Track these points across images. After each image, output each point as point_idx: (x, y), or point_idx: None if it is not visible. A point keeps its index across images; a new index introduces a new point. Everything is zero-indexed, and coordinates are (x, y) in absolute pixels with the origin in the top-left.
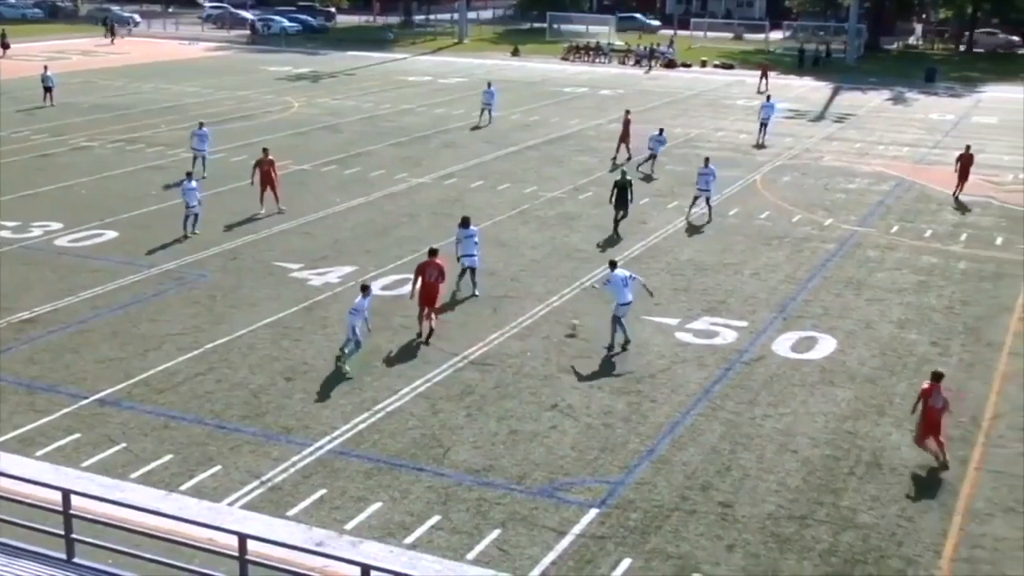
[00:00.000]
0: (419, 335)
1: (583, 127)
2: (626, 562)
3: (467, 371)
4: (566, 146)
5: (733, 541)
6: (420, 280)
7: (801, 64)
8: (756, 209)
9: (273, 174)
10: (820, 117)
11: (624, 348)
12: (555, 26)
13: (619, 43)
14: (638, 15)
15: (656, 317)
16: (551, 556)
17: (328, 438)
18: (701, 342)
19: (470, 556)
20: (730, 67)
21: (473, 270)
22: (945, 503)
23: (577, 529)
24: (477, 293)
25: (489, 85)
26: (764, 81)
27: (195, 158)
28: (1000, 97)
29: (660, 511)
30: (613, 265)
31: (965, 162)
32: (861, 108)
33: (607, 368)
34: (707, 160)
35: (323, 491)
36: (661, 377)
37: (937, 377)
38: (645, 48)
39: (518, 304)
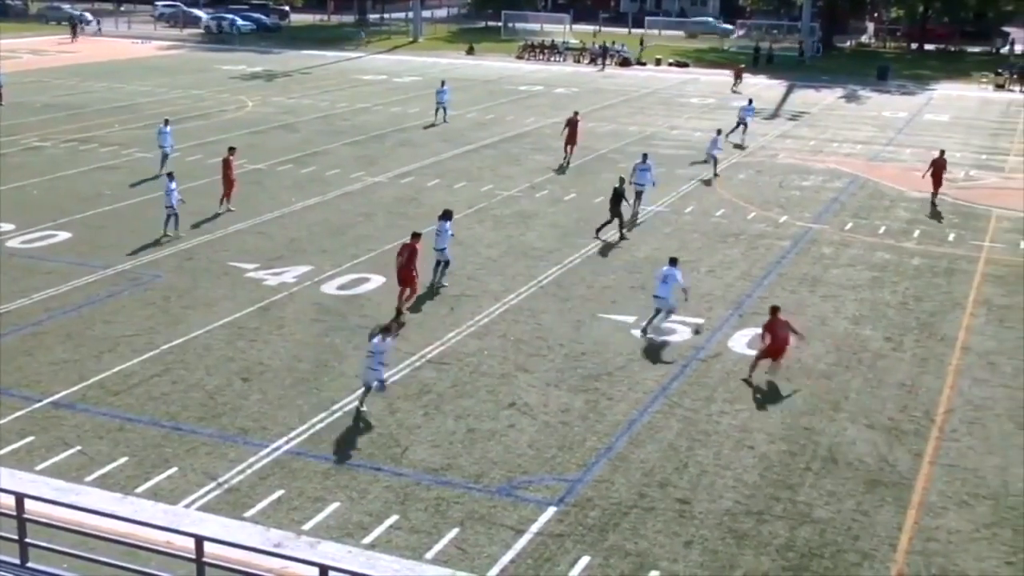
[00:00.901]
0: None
1: (539, 125)
2: (584, 560)
3: (424, 370)
4: (522, 144)
5: (691, 537)
6: (397, 261)
7: (755, 62)
8: (712, 207)
9: (230, 174)
10: (774, 115)
11: (644, 332)
12: (510, 24)
13: (574, 41)
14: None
15: (613, 315)
16: (510, 555)
17: (285, 439)
18: (658, 339)
19: (429, 555)
20: (685, 65)
21: (445, 263)
22: (900, 497)
23: (535, 527)
24: (445, 284)
25: (443, 84)
26: (738, 81)
27: (164, 156)
28: (951, 95)
29: (618, 508)
30: (673, 261)
31: (938, 166)
32: (815, 106)
33: (564, 366)
34: (645, 156)
35: (281, 492)
36: (619, 375)
37: (775, 310)
38: (600, 47)
39: (475, 303)
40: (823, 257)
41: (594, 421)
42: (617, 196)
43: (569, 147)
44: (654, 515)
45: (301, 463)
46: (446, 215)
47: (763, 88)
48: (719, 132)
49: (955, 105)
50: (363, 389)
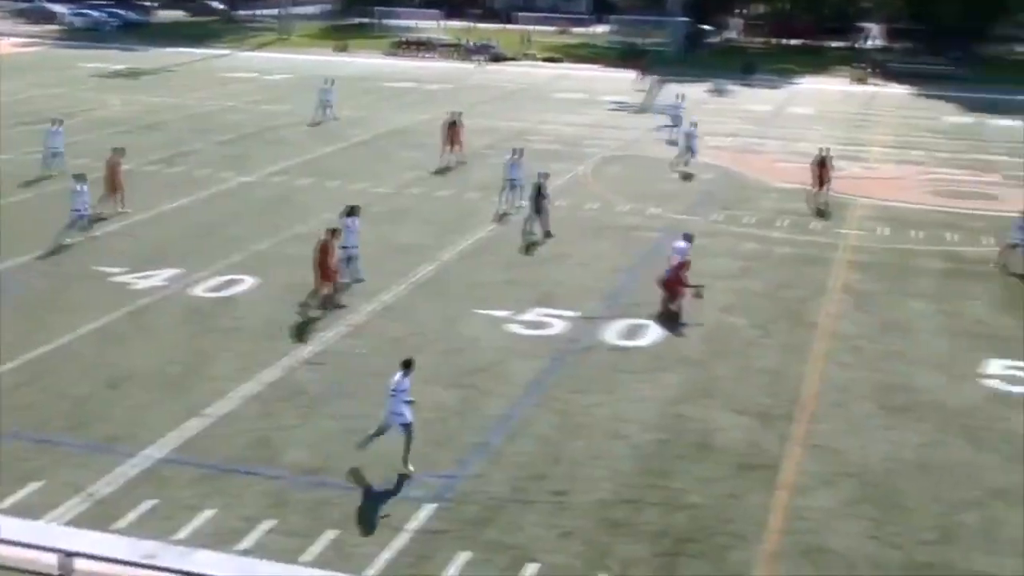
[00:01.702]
0: None
1: (412, 122)
2: (464, 555)
3: (300, 371)
4: (395, 142)
5: (568, 528)
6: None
7: (625, 57)
8: (584, 200)
9: (118, 176)
10: (644, 109)
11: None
12: (382, 21)
13: (447, 37)
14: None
15: (487, 310)
16: (388, 554)
17: (156, 446)
18: (532, 333)
19: (306, 558)
20: (558, 61)
21: (352, 259)
22: (769, 479)
23: (414, 525)
24: (362, 278)
25: (328, 82)
26: (640, 77)
27: (53, 155)
28: (814, 88)
29: (496, 503)
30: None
31: (821, 165)
32: (684, 100)
33: (440, 362)
34: (518, 151)
35: (152, 501)
36: (493, 370)
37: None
38: (473, 43)
39: (350, 301)
40: (696, 248)
41: (470, 417)
42: (538, 191)
43: (450, 148)
44: (531, 508)
45: (173, 470)
46: (352, 211)
47: (632, 83)
48: (694, 125)
49: (818, 98)
50: (376, 431)
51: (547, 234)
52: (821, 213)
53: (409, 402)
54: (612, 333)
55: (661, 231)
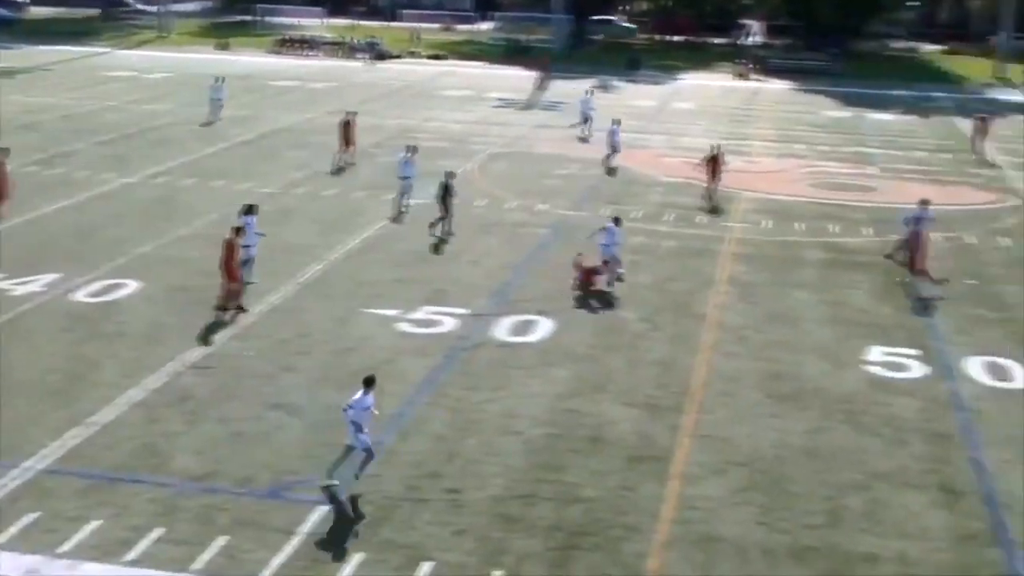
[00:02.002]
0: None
1: (296, 121)
2: (357, 556)
3: (186, 376)
4: (280, 141)
5: (462, 526)
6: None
7: (509, 54)
8: (472, 197)
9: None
10: (530, 106)
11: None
12: (264, 18)
13: (330, 35)
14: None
15: (376, 309)
16: (281, 558)
17: (38, 457)
18: (422, 331)
19: (196, 566)
20: (443, 58)
21: (249, 260)
22: (661, 470)
23: (306, 528)
24: (254, 280)
25: (218, 80)
26: (541, 78)
27: None
28: (697, 84)
29: (389, 502)
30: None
31: (713, 161)
32: (569, 96)
33: (330, 363)
34: (411, 149)
35: (35, 514)
36: (384, 369)
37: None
38: (358, 41)
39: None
40: (582, 244)
41: None
42: (445, 190)
43: (344, 147)
44: (425, 506)
45: (57, 481)
46: (250, 209)
47: (520, 79)
48: (616, 123)
49: (701, 94)
50: (364, 458)
51: (448, 233)
52: (715, 209)
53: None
54: (502, 329)
55: (549, 227)
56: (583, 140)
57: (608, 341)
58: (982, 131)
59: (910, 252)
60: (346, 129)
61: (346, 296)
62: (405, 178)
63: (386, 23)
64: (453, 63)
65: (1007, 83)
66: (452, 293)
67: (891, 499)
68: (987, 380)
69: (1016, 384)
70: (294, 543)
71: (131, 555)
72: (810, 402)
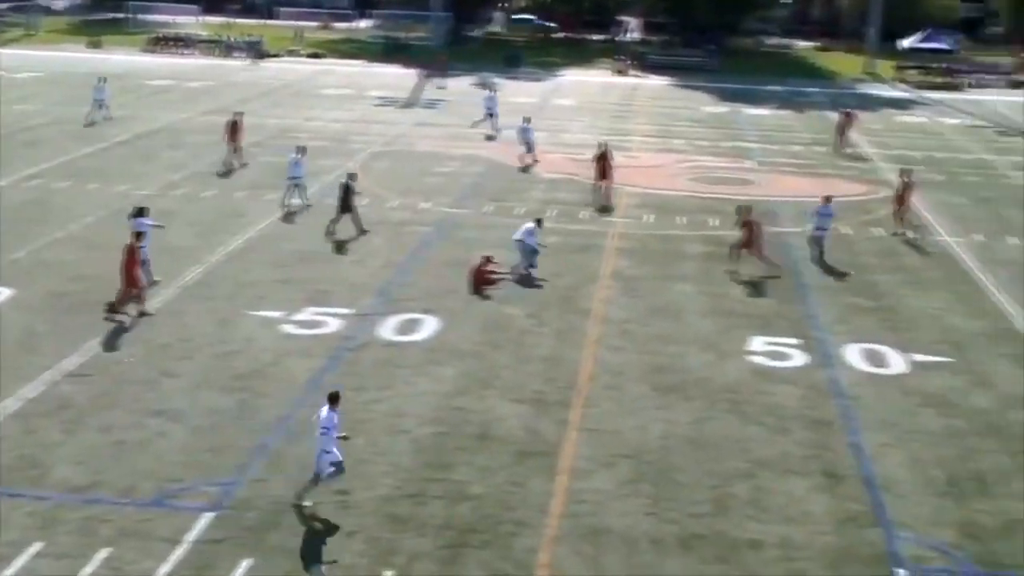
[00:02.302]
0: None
1: (173, 121)
2: (245, 563)
3: (63, 384)
4: (157, 141)
5: (352, 528)
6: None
7: (388, 52)
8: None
9: None
10: (411, 104)
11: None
12: (136, 16)
13: (205, 33)
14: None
15: (260, 311)
16: (166, 567)
17: None
18: (307, 333)
19: None
20: (321, 57)
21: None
22: (549, 465)
23: (192, 536)
24: (157, 279)
25: (101, 80)
26: (438, 75)
27: None
28: (577, 80)
29: (277, 507)
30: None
31: (602, 161)
32: (450, 94)
33: (213, 367)
34: (300, 149)
35: None
36: (269, 371)
37: (487, 258)
38: (234, 39)
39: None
40: (466, 241)
41: (247, 420)
42: (346, 191)
43: (234, 148)
44: (314, 509)
45: None
46: (140, 212)
47: (399, 77)
48: (527, 121)
49: (581, 90)
50: (312, 479)
51: (361, 231)
52: (606, 208)
53: (342, 438)
54: (387, 329)
55: (432, 225)
56: (490, 138)
57: (494, 338)
58: (846, 125)
59: (749, 244)
60: (233, 129)
61: (228, 298)
62: (294, 178)
63: (262, 21)
64: (332, 62)
65: (877, 78)
66: (336, 293)
67: (775, 485)
68: (864, 367)
69: (892, 370)
70: (180, 552)
71: (9, 571)
72: (694, 393)
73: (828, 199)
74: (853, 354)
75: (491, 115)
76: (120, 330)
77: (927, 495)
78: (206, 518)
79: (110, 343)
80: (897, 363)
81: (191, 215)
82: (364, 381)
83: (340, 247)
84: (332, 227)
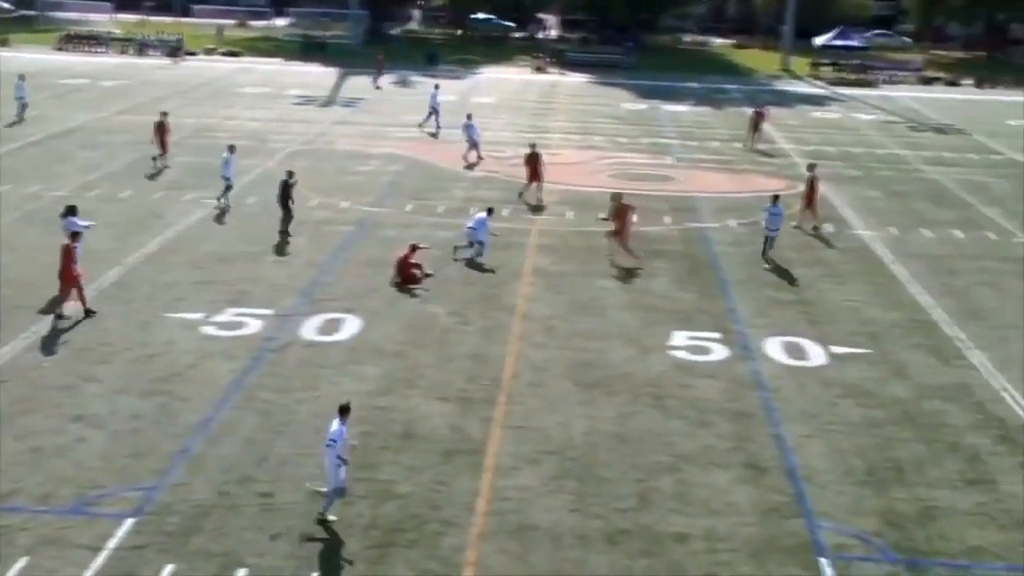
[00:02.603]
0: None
1: (87, 120)
2: (168, 568)
3: None
4: (71, 141)
5: (277, 530)
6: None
7: (306, 50)
8: (275, 196)
9: None
10: (329, 102)
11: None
12: (46, 13)
13: (119, 31)
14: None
15: (179, 313)
16: (87, 575)
17: None
18: (228, 334)
19: None
20: (237, 55)
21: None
22: (474, 463)
23: (113, 543)
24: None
25: (21, 78)
26: (378, 75)
27: None
28: (496, 78)
29: (200, 510)
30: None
31: (533, 161)
32: (368, 92)
33: (132, 371)
34: (230, 148)
35: None
36: (189, 374)
37: (413, 246)
38: (147, 36)
39: (30, 312)
40: (387, 239)
41: (168, 424)
42: (285, 189)
43: (162, 149)
44: (237, 512)
45: None
46: (70, 211)
47: (318, 76)
48: (469, 118)
49: (500, 88)
50: (330, 496)
51: (285, 233)
52: (538, 208)
53: (342, 460)
54: (309, 329)
55: (353, 224)
56: (433, 135)
57: (417, 336)
58: (759, 122)
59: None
60: (160, 130)
61: (147, 301)
62: (226, 178)
63: (177, 19)
64: (249, 60)
65: (792, 75)
66: (257, 294)
67: (699, 478)
68: (785, 359)
69: (811, 362)
70: (101, 559)
71: None
72: (618, 388)
73: (776, 199)
74: (773, 347)
75: (434, 113)
76: (36, 333)
77: (847, 484)
78: (127, 524)
79: (27, 348)
80: (816, 355)
81: (108, 216)
82: (287, 382)
83: (260, 247)
84: (284, 227)
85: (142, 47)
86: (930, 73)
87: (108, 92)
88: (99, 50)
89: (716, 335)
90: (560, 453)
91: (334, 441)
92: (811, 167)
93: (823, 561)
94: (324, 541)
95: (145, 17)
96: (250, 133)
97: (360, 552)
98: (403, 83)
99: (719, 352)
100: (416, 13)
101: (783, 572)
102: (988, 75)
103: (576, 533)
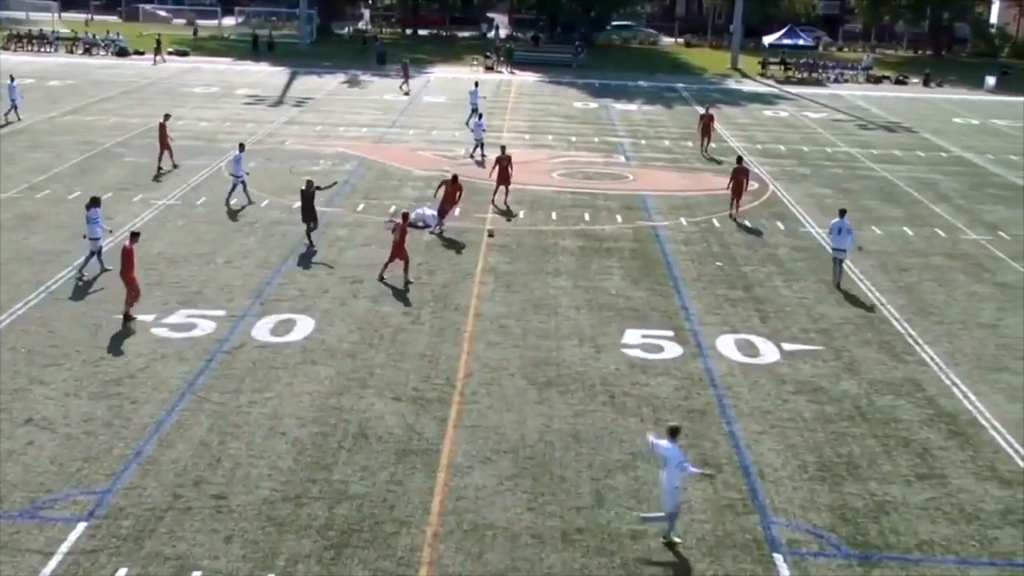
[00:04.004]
0: None
1: (34, 121)
2: (122, 572)
3: None
4: (17, 142)
5: (230, 532)
6: None
7: (255, 49)
8: (224, 196)
9: None
10: (279, 102)
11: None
12: None
13: (65, 30)
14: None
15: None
16: None
17: None
18: (179, 336)
19: None
20: (185, 55)
21: (98, 252)
22: (429, 463)
23: (65, 547)
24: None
25: (12, 79)
26: (406, 80)
27: None
28: (446, 77)
29: (153, 514)
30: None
31: (503, 164)
32: (319, 91)
33: (83, 373)
34: (241, 146)
35: None
36: (141, 376)
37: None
38: (94, 35)
39: None
40: (339, 239)
41: (120, 427)
42: (307, 198)
43: (168, 151)
44: (191, 515)
45: None
46: (95, 202)
47: (266, 75)
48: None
49: (451, 87)
50: (670, 519)
51: (310, 244)
52: (506, 213)
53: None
54: (262, 330)
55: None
56: (481, 155)
57: (370, 336)
58: (708, 127)
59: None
60: (162, 132)
61: (97, 303)
62: (236, 176)
63: (122, 20)
64: (198, 59)
65: (742, 74)
66: (209, 295)
67: (653, 476)
68: (737, 357)
69: (763, 359)
70: (53, 564)
71: None
72: (572, 387)
73: (843, 212)
74: (726, 344)
75: (475, 110)
76: None
77: (801, 480)
78: (79, 528)
79: None
80: (769, 352)
81: (57, 218)
82: (240, 384)
83: (211, 248)
84: (309, 238)
85: (89, 46)
86: (877, 72)
87: (54, 91)
88: (45, 49)
89: (669, 333)
90: (515, 452)
91: (685, 464)
92: (740, 161)
93: (778, 557)
94: (279, 543)
95: (91, 16)
96: (200, 133)
97: (315, 552)
98: (353, 83)
99: (672, 350)
100: (365, 13)
101: (738, 568)
102: (935, 74)
103: (532, 532)
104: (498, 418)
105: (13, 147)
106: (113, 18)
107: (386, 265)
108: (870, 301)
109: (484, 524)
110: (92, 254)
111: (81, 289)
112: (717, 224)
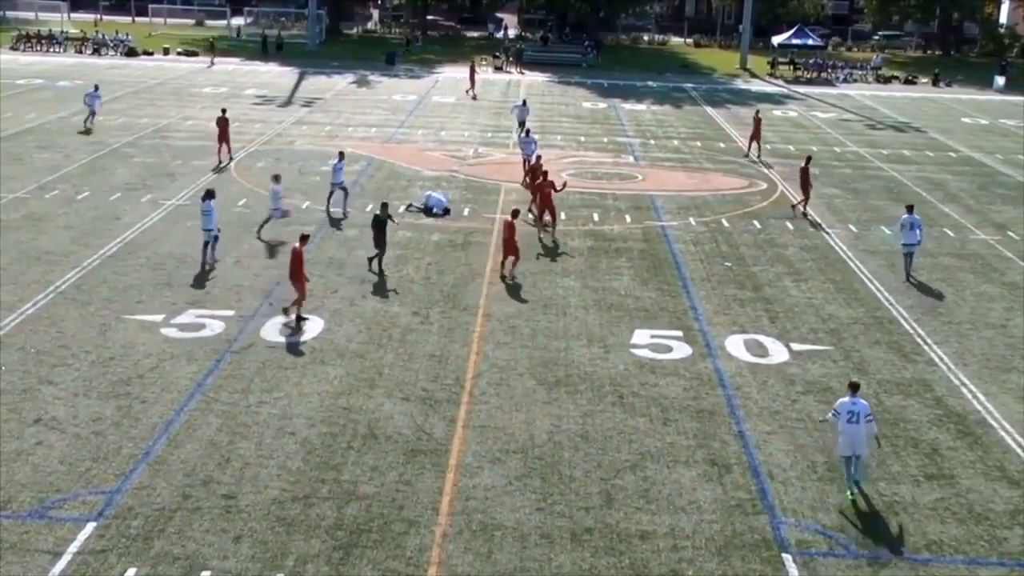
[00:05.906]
0: None
1: (44, 121)
2: (131, 572)
3: None
4: (26, 142)
5: (239, 532)
6: None
7: (265, 50)
8: (233, 196)
9: None
10: (288, 102)
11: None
12: (0, 13)
13: (74, 30)
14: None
15: (139, 315)
16: None
17: None
18: (189, 336)
19: None
20: (194, 54)
21: (215, 240)
22: (438, 463)
23: (74, 547)
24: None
25: (96, 88)
26: (472, 85)
27: None
28: (455, 77)
29: (162, 514)
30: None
31: (537, 174)
32: (327, 92)
33: (92, 374)
34: (340, 154)
35: None
36: (150, 376)
37: (515, 214)
38: (104, 35)
39: None
40: (348, 240)
41: (129, 427)
42: (379, 223)
43: (220, 146)
44: (200, 515)
45: None
46: (209, 194)
47: (275, 76)
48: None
49: (460, 87)
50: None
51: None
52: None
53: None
54: (270, 330)
55: (313, 224)
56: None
57: (379, 336)
58: (757, 131)
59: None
60: (222, 127)
61: (106, 303)
62: (337, 183)
63: (131, 18)
64: (207, 59)
65: (751, 74)
66: (218, 295)
67: (662, 476)
68: (746, 357)
69: (773, 359)
70: (62, 564)
71: None
72: (581, 387)
73: (911, 208)
74: (735, 345)
75: (521, 124)
76: None
77: (810, 481)
78: (89, 528)
79: None
80: (778, 352)
81: (66, 218)
82: (249, 384)
83: (220, 249)
84: (375, 266)
85: (98, 46)
86: (887, 72)
87: (64, 92)
88: (54, 50)
89: (678, 333)
90: (524, 452)
91: (870, 417)
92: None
93: (787, 557)
94: (288, 543)
95: (100, 16)
96: (208, 134)
97: (324, 553)
98: (362, 83)
99: (681, 350)
100: (374, 13)
101: (747, 568)
102: (944, 74)
103: (541, 532)
104: (507, 418)
105: (22, 148)
106: (123, 18)
107: (502, 263)
108: (879, 301)
109: (493, 524)
110: (206, 244)
111: (90, 290)
112: (726, 224)
